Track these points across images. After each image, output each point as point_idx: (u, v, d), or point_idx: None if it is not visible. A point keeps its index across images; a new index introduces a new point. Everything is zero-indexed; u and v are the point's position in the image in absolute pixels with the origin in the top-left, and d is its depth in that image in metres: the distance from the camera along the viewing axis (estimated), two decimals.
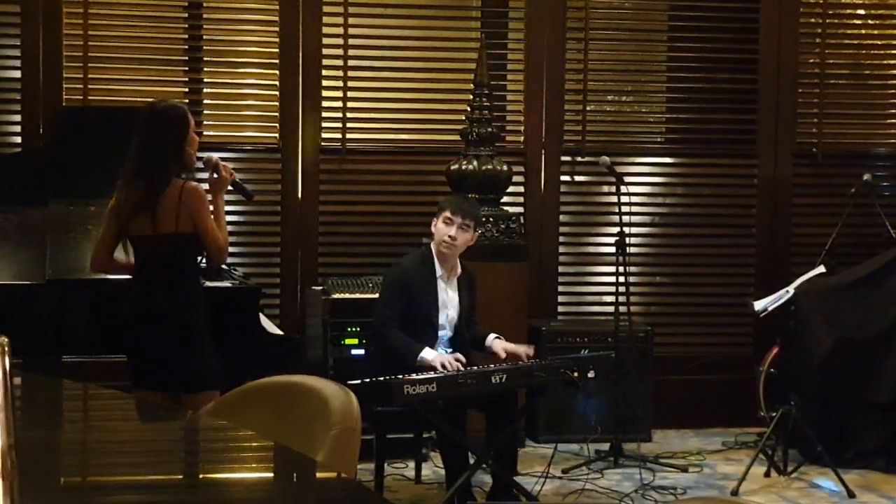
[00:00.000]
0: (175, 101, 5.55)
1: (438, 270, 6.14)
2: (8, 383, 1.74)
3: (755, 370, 7.73)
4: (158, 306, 5.17)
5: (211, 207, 5.27)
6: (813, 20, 8.76)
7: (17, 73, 7.73)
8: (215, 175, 5.43)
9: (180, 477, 2.96)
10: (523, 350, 6.11)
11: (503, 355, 6.07)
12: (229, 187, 5.49)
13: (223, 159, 7.67)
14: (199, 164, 5.59)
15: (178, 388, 5.11)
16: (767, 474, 6.91)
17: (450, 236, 6.07)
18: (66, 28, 7.76)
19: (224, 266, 6.85)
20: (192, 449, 3.31)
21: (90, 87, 7.80)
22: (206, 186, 5.35)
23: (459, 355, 5.88)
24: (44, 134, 7.61)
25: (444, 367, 5.73)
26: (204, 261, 5.41)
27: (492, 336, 6.19)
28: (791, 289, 7.12)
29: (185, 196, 5.09)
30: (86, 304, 5.87)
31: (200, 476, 2.95)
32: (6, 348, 1.74)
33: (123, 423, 3.57)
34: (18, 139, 7.72)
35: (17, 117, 7.73)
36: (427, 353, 5.84)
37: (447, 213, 6.10)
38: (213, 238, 5.16)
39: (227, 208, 7.58)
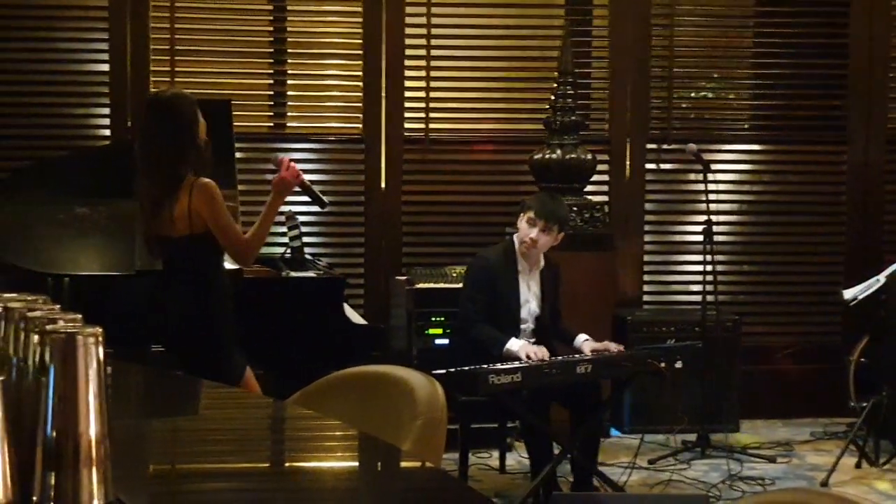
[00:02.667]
0: (176, 91, 5.27)
1: (520, 264, 6.11)
2: (102, 373, 1.75)
3: (845, 360, 7.64)
4: (180, 308, 5.02)
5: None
6: None
7: (106, 67, 7.82)
8: (278, 173, 5.10)
9: (267, 465, 2.98)
10: (614, 347, 6.05)
11: (590, 356, 6.03)
12: (297, 189, 5.17)
13: (306, 150, 7.84)
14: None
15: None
16: (858, 465, 6.82)
17: (531, 238, 6.00)
18: (153, 21, 7.84)
19: (308, 256, 6.90)
20: (278, 437, 3.33)
21: (177, 79, 7.87)
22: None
23: (544, 349, 5.83)
24: (132, 127, 7.70)
25: (528, 357, 5.71)
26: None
27: (581, 338, 6.08)
28: (882, 277, 7.02)
29: (194, 193, 4.84)
30: None
31: (287, 464, 2.96)
32: (100, 338, 1.76)
33: (211, 411, 3.60)
34: (107, 132, 7.82)
35: (106, 110, 7.83)
36: (513, 344, 5.82)
37: (531, 214, 6.01)
38: (229, 237, 4.90)
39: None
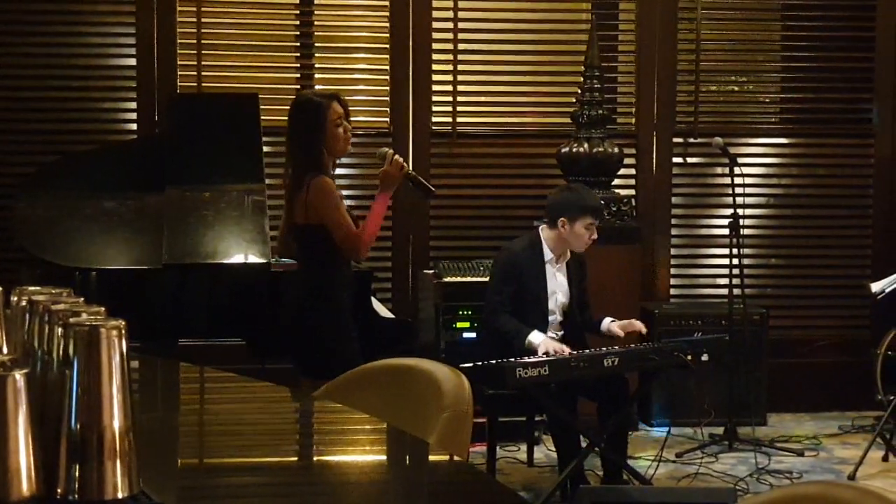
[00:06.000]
0: (312, 94, 5.64)
1: (547, 255, 6.11)
2: (125, 366, 1.76)
3: (872, 353, 7.60)
4: (299, 296, 5.36)
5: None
6: None
7: (133, 61, 7.85)
8: (385, 167, 5.42)
9: (295, 459, 2.99)
10: (638, 324, 6.06)
11: (622, 334, 6.03)
12: (410, 184, 5.53)
13: None
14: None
15: (321, 375, 5.09)
16: (885, 458, 6.80)
17: (593, 239, 6.06)
18: (180, 16, 7.86)
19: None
20: (306, 431, 3.34)
21: (204, 73, 7.90)
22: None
23: (565, 346, 5.82)
24: (159, 121, 7.73)
25: (547, 354, 5.70)
26: None
27: (607, 320, 6.12)
28: None
29: (310, 190, 5.17)
30: (202, 289, 5.96)
31: (315, 458, 2.97)
32: (123, 331, 1.76)
33: (239, 405, 3.61)
34: (134, 126, 7.84)
35: (133, 104, 7.85)
36: (534, 337, 5.82)
37: (589, 220, 6.00)
38: (342, 233, 5.20)
39: None
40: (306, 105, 5.34)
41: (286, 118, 5.40)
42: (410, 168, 5.58)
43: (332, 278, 5.34)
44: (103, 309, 1.90)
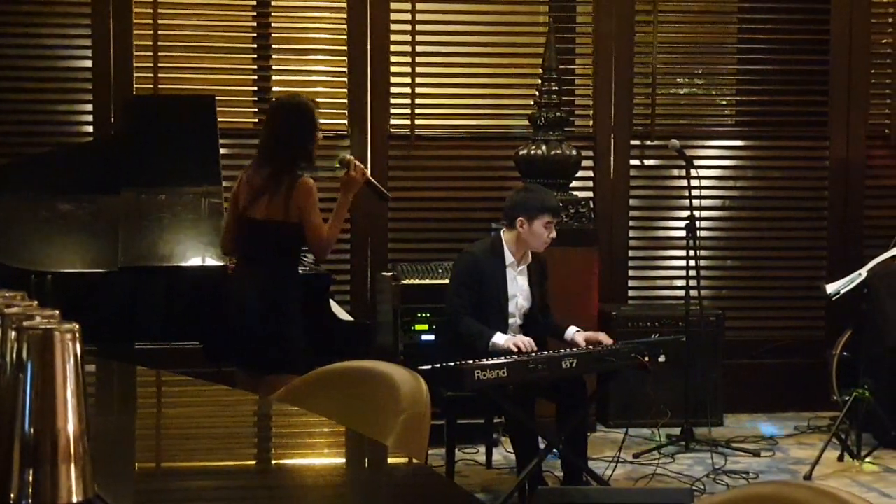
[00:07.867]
0: (306, 99, 5.78)
1: (508, 258, 6.11)
2: (80, 369, 1.75)
3: (828, 354, 7.66)
4: (257, 288, 5.43)
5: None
6: None
7: (89, 63, 7.81)
8: (347, 173, 5.62)
9: (253, 462, 2.98)
10: (603, 336, 6.07)
11: (584, 345, 6.02)
12: (368, 188, 5.76)
13: None
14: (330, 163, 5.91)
15: (263, 368, 5.36)
16: (841, 459, 6.84)
17: (552, 238, 6.08)
18: (136, 17, 7.83)
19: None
20: (264, 434, 3.33)
21: (160, 75, 7.86)
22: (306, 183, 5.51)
23: (531, 339, 5.84)
24: (115, 122, 7.68)
25: (517, 347, 5.70)
26: None
27: (572, 329, 6.12)
28: (864, 272, 7.04)
29: (296, 189, 5.37)
30: (158, 292, 5.94)
31: (272, 461, 2.96)
32: (77, 335, 1.75)
33: (196, 408, 3.59)
34: (90, 128, 7.80)
35: (89, 106, 7.81)
36: (499, 338, 5.82)
37: (548, 218, 6.02)
38: (316, 234, 5.41)
39: None
40: (303, 107, 5.56)
41: (268, 117, 5.71)
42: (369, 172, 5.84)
43: (294, 275, 5.57)
44: (57, 312, 1.89)
